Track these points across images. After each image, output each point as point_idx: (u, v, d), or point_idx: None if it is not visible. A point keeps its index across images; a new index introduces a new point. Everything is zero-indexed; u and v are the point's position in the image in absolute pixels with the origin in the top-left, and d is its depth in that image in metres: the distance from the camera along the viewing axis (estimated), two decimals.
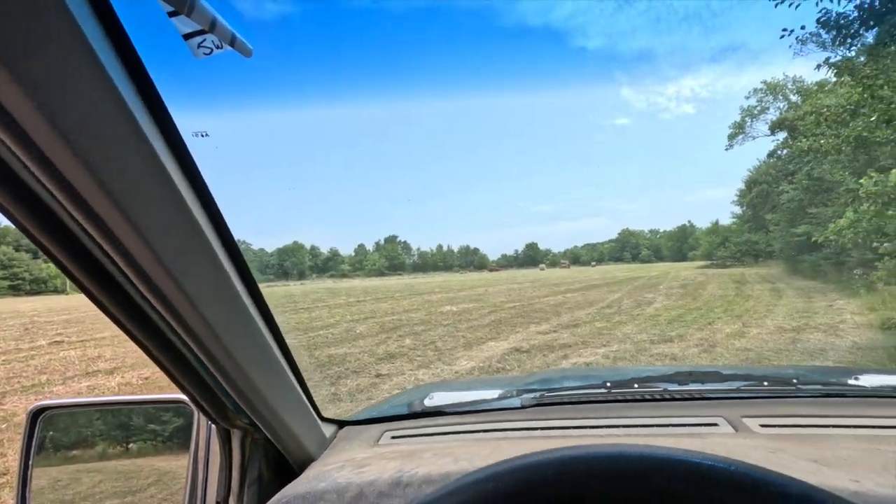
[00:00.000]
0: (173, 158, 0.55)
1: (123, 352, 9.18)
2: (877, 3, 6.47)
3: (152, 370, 7.58)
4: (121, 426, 1.37)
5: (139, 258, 0.55)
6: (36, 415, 1.17)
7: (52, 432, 1.25)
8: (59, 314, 17.46)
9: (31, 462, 1.15)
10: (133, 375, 7.67)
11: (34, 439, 1.16)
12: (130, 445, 1.36)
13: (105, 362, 8.70)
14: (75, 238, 0.55)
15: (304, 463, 1.04)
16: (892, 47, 6.43)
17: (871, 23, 6.63)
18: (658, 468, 0.49)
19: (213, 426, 1.02)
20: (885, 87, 6.76)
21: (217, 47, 0.56)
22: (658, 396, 1.18)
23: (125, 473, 1.36)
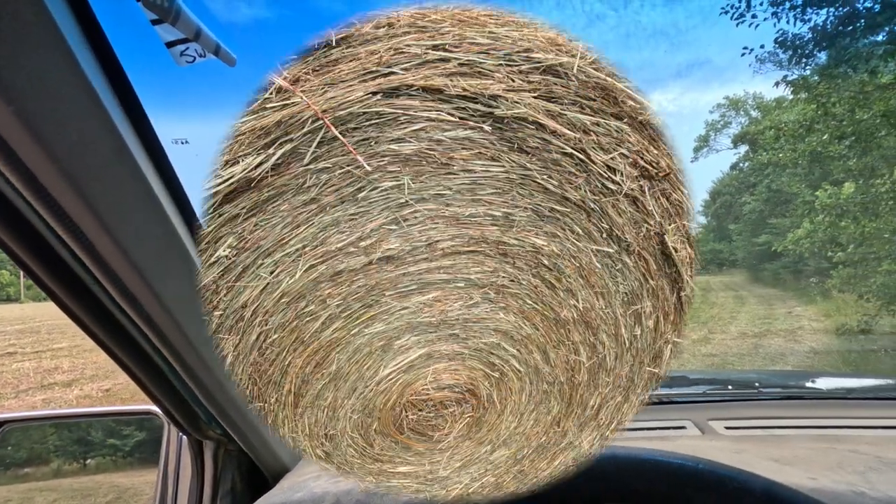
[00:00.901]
0: (151, 164, 0.54)
1: (82, 363, 8.78)
2: (829, 27, 6.89)
3: (113, 382, 7.26)
4: (78, 441, 1.31)
5: (114, 264, 0.53)
6: None
7: (7, 448, 1.19)
8: (13, 324, 16.51)
9: None
10: (93, 388, 7.34)
11: None
12: (88, 461, 1.30)
13: (62, 374, 8.30)
14: (47, 244, 0.54)
15: (279, 473, 1.02)
16: (843, 68, 6.84)
17: (824, 44, 7.05)
18: (631, 467, 0.51)
19: (185, 438, 0.99)
20: (837, 105, 7.18)
21: (200, 56, 0.56)
22: None
23: (82, 491, 1.30)
